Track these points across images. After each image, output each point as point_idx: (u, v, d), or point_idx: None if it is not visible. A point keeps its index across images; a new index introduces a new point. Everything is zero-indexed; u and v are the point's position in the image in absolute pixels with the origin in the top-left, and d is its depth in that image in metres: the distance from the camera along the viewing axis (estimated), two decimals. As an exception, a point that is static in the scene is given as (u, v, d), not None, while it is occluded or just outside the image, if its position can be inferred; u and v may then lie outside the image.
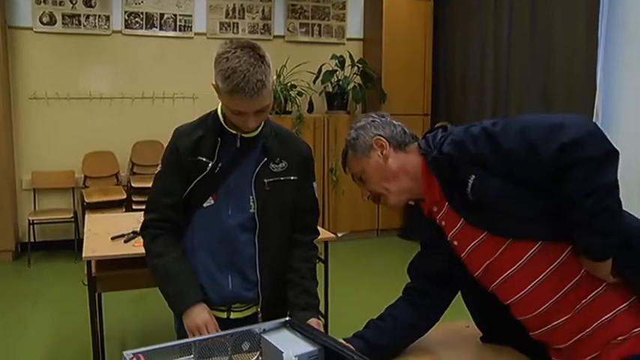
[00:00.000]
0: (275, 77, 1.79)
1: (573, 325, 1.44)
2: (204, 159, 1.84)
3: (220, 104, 1.85)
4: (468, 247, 1.51)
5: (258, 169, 1.87)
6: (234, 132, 1.85)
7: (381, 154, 1.61)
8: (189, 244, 1.91)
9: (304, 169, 1.97)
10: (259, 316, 1.93)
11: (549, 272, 1.42)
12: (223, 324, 1.81)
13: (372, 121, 1.66)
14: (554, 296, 1.43)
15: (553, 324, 1.46)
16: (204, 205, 1.87)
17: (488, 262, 1.48)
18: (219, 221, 1.87)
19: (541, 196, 1.37)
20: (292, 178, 1.92)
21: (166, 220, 1.89)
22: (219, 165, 1.84)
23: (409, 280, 1.75)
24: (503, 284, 1.49)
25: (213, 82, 1.74)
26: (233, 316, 1.93)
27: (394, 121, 1.68)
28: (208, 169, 1.84)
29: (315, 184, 2.04)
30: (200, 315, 1.78)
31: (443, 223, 1.56)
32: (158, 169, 1.93)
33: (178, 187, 1.87)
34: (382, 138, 1.62)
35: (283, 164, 1.90)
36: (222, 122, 1.86)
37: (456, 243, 1.55)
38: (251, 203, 1.87)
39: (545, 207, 1.37)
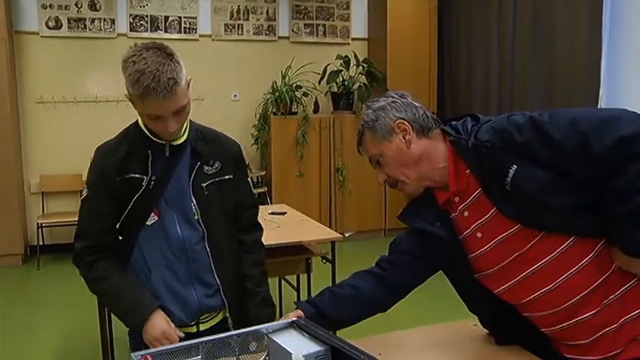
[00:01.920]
0: (187, 80, 1.69)
1: (599, 320, 1.41)
2: (137, 175, 1.75)
3: (139, 116, 1.75)
4: (495, 239, 1.47)
5: (193, 175, 1.81)
6: (162, 142, 1.76)
7: (404, 138, 1.53)
8: (142, 265, 1.83)
9: (237, 166, 1.92)
10: (229, 321, 1.90)
11: (580, 267, 1.40)
12: (193, 337, 1.67)
13: (393, 102, 1.57)
14: (583, 291, 1.40)
15: (577, 319, 1.42)
16: (148, 223, 1.78)
17: (516, 254, 1.44)
18: (169, 235, 1.80)
19: (583, 190, 1.34)
20: (227, 177, 1.87)
21: (99, 246, 1.79)
22: (153, 179, 1.76)
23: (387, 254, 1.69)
24: (529, 278, 1.45)
25: (125, 92, 1.64)
26: (202, 327, 1.88)
27: (415, 103, 1.59)
28: (144, 185, 1.75)
29: (249, 180, 2.00)
30: (157, 326, 1.70)
31: (466, 214, 1.51)
32: (84, 193, 1.80)
33: (108, 210, 1.77)
34: (405, 122, 1.54)
35: (217, 165, 1.85)
36: (148, 134, 1.76)
37: (479, 235, 1.49)
38: (194, 210, 1.82)
39: (586, 201, 1.35)
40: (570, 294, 1.41)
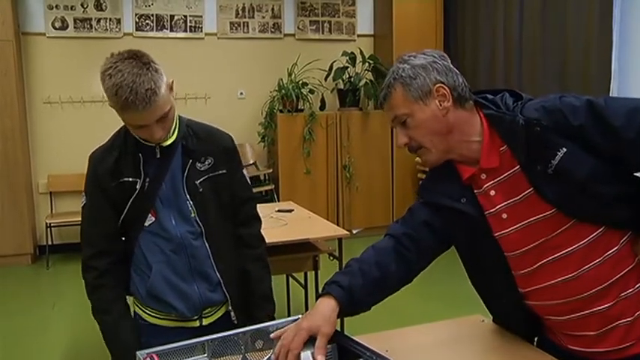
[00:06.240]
0: (168, 84, 1.68)
1: (614, 312, 1.38)
2: (130, 179, 1.76)
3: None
4: (523, 222, 1.40)
5: (186, 173, 1.82)
6: (151, 144, 1.76)
7: (440, 104, 1.41)
8: (143, 263, 1.85)
9: (230, 159, 1.92)
10: (232, 314, 1.92)
11: (605, 258, 1.36)
12: (197, 332, 1.67)
13: (434, 61, 1.43)
14: (603, 283, 1.37)
15: (591, 310, 1.39)
16: (146, 224, 1.80)
17: (542, 239, 1.39)
18: (167, 234, 1.81)
19: (629, 181, 1.32)
20: (221, 172, 1.87)
21: (105, 254, 1.81)
22: (147, 180, 1.77)
23: (416, 200, 1.59)
24: (551, 264, 1.40)
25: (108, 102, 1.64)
26: (205, 322, 1.90)
27: (455, 69, 1.46)
28: (138, 188, 1.77)
29: (245, 172, 1.99)
30: None
31: (492, 192, 1.43)
32: (83, 201, 1.83)
33: (109, 215, 1.80)
34: (445, 86, 1.41)
35: (209, 161, 1.85)
36: (137, 137, 1.76)
37: (504, 216, 1.42)
38: (190, 208, 1.83)
39: (630, 192, 1.33)
40: (590, 285, 1.38)
